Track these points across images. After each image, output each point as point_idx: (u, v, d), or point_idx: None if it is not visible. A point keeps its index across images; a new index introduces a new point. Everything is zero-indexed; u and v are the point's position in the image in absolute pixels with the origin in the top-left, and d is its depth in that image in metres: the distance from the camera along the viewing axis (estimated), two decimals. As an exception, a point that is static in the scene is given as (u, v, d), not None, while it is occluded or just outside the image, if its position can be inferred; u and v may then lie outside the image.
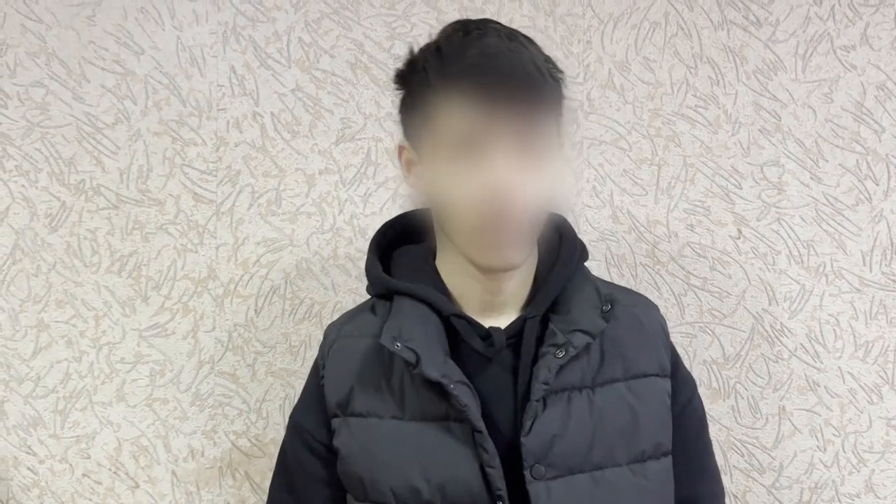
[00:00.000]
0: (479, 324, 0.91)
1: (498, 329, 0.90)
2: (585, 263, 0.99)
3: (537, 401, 0.86)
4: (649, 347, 0.94)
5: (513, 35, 0.87)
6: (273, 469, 1.03)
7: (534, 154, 0.85)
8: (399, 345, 0.86)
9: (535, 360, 0.88)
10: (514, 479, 0.86)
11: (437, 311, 0.91)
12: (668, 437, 0.93)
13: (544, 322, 0.91)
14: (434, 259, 0.97)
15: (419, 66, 0.88)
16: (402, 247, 1.01)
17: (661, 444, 0.92)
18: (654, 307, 1.00)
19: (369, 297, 1.00)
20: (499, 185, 0.83)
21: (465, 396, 0.85)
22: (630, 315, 0.95)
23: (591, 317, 0.90)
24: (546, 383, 0.86)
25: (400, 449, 0.89)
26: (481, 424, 0.85)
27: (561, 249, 0.96)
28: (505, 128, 0.83)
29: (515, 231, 0.86)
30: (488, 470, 0.85)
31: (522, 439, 0.86)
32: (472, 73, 0.83)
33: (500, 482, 0.84)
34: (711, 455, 1.03)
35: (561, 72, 0.90)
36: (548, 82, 0.86)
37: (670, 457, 0.94)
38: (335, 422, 0.93)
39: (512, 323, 0.91)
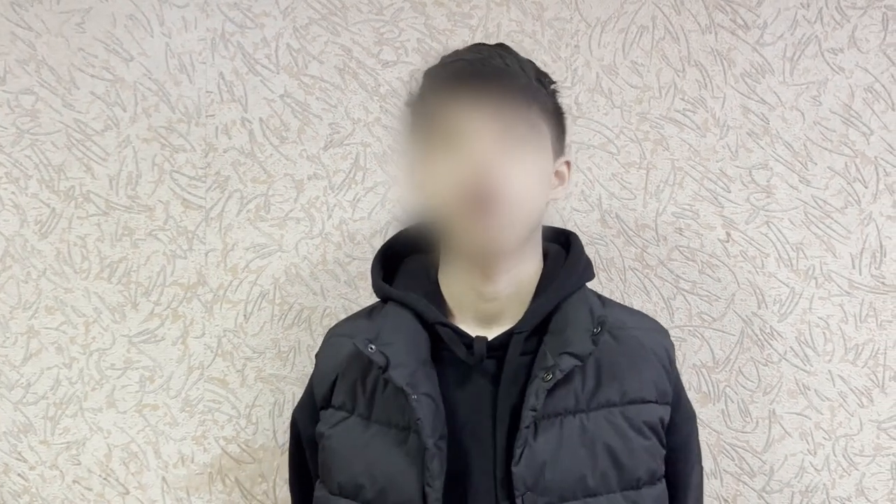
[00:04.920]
0: (463, 332, 0.91)
1: (482, 338, 0.90)
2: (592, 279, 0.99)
3: (527, 427, 0.86)
4: (649, 372, 0.93)
5: (509, 49, 0.93)
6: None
7: (518, 145, 0.88)
8: (373, 347, 0.89)
9: (526, 382, 0.89)
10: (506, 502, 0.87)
11: (424, 319, 0.92)
12: (662, 464, 0.93)
13: (541, 341, 0.91)
14: (437, 269, 0.98)
15: (422, 80, 0.95)
16: (413, 255, 1.02)
17: (657, 472, 0.92)
18: (663, 333, 0.99)
19: (363, 301, 1.05)
20: (477, 166, 0.85)
21: (423, 409, 0.86)
22: (632, 338, 0.94)
23: (580, 339, 0.88)
24: (534, 409, 0.86)
25: (355, 446, 0.91)
26: (430, 442, 0.85)
27: (563, 267, 0.96)
28: (485, 116, 0.87)
29: (499, 212, 0.86)
30: (426, 489, 0.85)
31: (513, 468, 0.86)
32: (457, 67, 0.90)
33: (434, 502, 0.85)
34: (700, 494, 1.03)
35: (552, 82, 0.94)
36: (531, 84, 0.90)
37: (664, 482, 0.93)
38: (321, 413, 0.97)
39: (500, 335, 0.91)
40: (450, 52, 0.95)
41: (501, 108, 0.87)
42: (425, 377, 0.88)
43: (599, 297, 0.99)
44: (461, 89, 0.88)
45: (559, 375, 0.86)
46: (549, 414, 0.88)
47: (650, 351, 0.95)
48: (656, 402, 0.93)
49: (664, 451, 0.93)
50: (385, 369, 0.87)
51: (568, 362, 0.87)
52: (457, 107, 0.87)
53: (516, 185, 0.87)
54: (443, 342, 0.91)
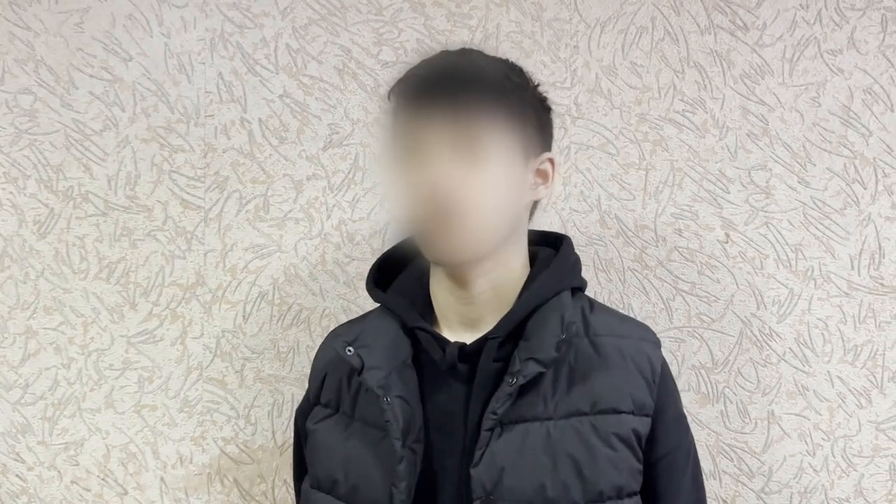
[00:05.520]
0: (441, 336, 0.92)
1: (456, 343, 0.91)
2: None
3: (488, 430, 0.86)
4: (626, 383, 0.91)
5: (467, 51, 0.93)
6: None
7: (472, 153, 0.87)
8: (351, 350, 0.90)
9: (497, 386, 0.89)
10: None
11: (405, 323, 0.93)
12: (634, 480, 0.90)
13: (516, 346, 0.90)
14: (429, 276, 0.99)
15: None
16: (415, 260, 1.02)
17: (624, 487, 0.89)
18: (651, 343, 0.95)
19: (362, 302, 1.08)
20: (431, 185, 0.86)
21: (394, 412, 0.86)
22: (613, 347, 0.92)
23: (547, 345, 0.87)
24: (494, 413, 0.86)
25: (335, 442, 0.93)
26: (398, 445, 0.86)
27: (546, 272, 0.95)
28: (439, 129, 0.87)
29: (456, 228, 0.87)
30: (392, 490, 0.86)
31: (471, 470, 0.86)
32: (412, 81, 0.90)
33: None
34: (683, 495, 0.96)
35: (524, 81, 0.92)
36: (492, 88, 0.88)
37: (637, 497, 0.90)
38: (313, 409, 1.00)
39: (475, 341, 0.91)
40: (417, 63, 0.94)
41: (455, 120, 0.86)
42: (401, 380, 0.89)
43: (591, 301, 0.98)
44: (416, 105, 0.89)
45: (522, 381, 0.86)
46: (515, 420, 0.88)
47: (630, 361, 0.92)
48: (631, 414, 0.90)
49: (639, 466, 0.91)
50: (360, 372, 0.89)
51: (532, 368, 0.86)
52: (413, 122, 0.89)
53: (475, 196, 0.86)
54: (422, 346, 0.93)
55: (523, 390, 0.87)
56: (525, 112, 0.91)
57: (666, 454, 0.94)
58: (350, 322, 1.05)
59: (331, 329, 1.07)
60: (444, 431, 0.90)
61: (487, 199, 0.87)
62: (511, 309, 0.92)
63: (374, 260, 1.02)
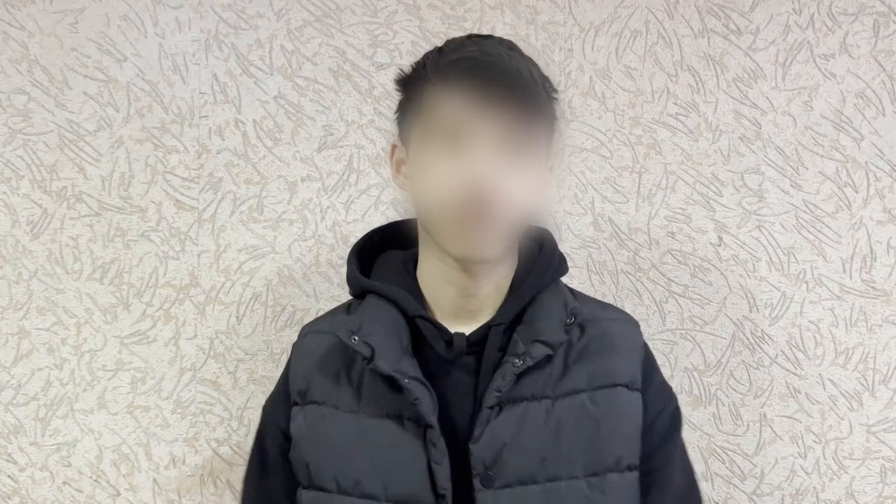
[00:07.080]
0: (443, 327, 0.91)
1: (461, 334, 0.91)
2: (566, 275, 0.99)
3: (490, 408, 0.87)
4: (619, 359, 0.93)
5: (513, 45, 0.91)
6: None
7: (518, 155, 0.86)
8: (356, 339, 0.88)
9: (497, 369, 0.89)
10: (467, 487, 0.86)
11: (404, 312, 0.92)
12: (633, 451, 0.91)
13: (513, 332, 0.91)
14: (415, 265, 0.98)
15: (420, 65, 0.91)
16: (387, 251, 1.02)
17: (624, 458, 0.90)
18: (633, 323, 0.99)
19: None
20: (480, 176, 0.84)
21: (418, 390, 0.86)
22: (602, 328, 0.95)
23: (553, 329, 0.90)
24: (499, 391, 0.86)
25: (349, 440, 0.89)
26: (433, 419, 0.85)
27: (538, 261, 0.96)
28: (493, 122, 0.84)
29: (492, 224, 0.86)
30: (434, 467, 0.85)
31: (471, 446, 0.86)
32: (467, 65, 0.86)
33: (444, 481, 0.85)
34: (677, 468, 0.98)
35: (556, 91, 0.92)
36: (540, 92, 0.88)
37: (636, 473, 0.92)
38: (294, 410, 0.94)
39: (478, 329, 0.92)
40: (454, 39, 0.91)
41: (510, 115, 0.85)
42: (410, 366, 0.88)
43: (571, 290, 1.00)
44: (470, 90, 0.84)
45: (530, 362, 0.87)
46: (514, 398, 0.88)
47: (620, 339, 0.95)
48: (626, 387, 0.93)
49: (637, 437, 0.92)
50: (370, 360, 0.87)
51: (539, 350, 0.88)
52: (463, 107, 0.84)
53: (514, 196, 0.86)
54: (422, 336, 0.91)
55: (524, 372, 0.88)
56: (553, 119, 0.92)
57: (655, 416, 0.95)
58: (327, 315, 1.02)
59: (307, 324, 1.02)
60: (449, 421, 0.89)
61: (523, 200, 0.87)
62: (514, 296, 0.93)
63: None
